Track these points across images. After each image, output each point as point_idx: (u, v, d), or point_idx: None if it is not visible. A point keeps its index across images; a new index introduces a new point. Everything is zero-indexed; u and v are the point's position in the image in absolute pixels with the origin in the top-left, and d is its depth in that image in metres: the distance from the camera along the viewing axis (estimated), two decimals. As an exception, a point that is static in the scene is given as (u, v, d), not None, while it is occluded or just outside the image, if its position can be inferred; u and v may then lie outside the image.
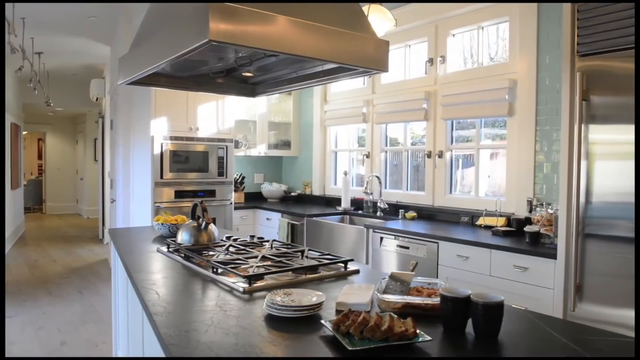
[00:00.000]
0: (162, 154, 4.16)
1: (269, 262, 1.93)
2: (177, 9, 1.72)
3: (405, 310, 1.39)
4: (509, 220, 3.22)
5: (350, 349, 1.10)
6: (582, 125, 2.30)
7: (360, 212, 4.28)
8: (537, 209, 3.08)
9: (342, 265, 1.96)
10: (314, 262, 1.95)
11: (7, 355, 3.35)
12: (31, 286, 5.14)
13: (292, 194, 5.25)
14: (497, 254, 2.72)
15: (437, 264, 3.01)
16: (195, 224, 2.32)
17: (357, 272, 1.94)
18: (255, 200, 5.23)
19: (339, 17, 1.79)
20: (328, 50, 1.71)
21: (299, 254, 2.13)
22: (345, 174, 4.42)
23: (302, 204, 4.95)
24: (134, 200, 4.62)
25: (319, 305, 1.38)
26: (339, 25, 1.75)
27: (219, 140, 4.47)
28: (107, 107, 7.22)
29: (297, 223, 4.21)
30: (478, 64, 3.65)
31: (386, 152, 4.42)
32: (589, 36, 2.30)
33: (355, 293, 1.53)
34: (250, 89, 2.68)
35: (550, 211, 2.75)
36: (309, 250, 2.15)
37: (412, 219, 3.80)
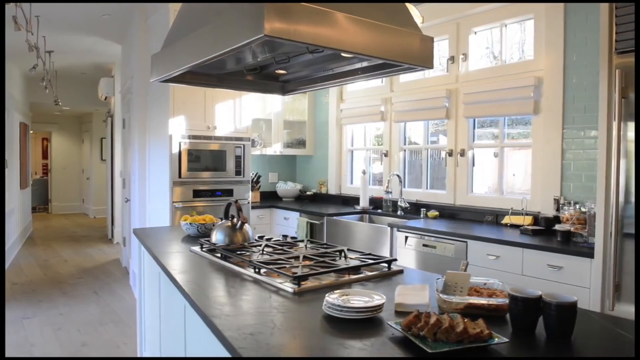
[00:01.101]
0: (180, 153, 4.12)
1: (311, 263, 1.90)
2: (224, 7, 1.68)
3: (467, 311, 1.36)
4: (536, 219, 3.19)
5: (430, 351, 1.07)
6: (622, 123, 2.26)
7: (379, 211, 4.25)
8: (565, 207, 3.05)
9: (385, 265, 1.93)
10: (358, 263, 1.92)
11: (29, 356, 3.32)
12: (45, 286, 5.10)
13: (308, 193, 5.22)
14: (529, 253, 2.69)
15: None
16: (230, 224, 2.29)
17: (401, 272, 1.91)
18: (270, 199, 5.20)
19: (384, 13, 1.76)
20: (376, 46, 1.67)
21: (337, 253, 2.10)
22: (364, 172, 4.39)
23: (318, 203, 4.92)
24: (150, 199, 4.58)
25: (380, 307, 1.35)
26: (385, 21, 1.72)
27: (236, 139, 4.44)
28: (117, 106, 7.19)
29: (316, 222, 4.18)
30: (501, 61, 3.62)
31: (404, 150, 4.39)
32: (628, 33, 2.27)
33: (411, 293, 1.50)
34: (280, 86, 2.65)
35: (583, 209, 2.72)
36: (347, 249, 2.12)
37: (434, 218, 3.77)
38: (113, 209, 7.59)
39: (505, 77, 3.48)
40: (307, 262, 1.90)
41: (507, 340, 1.14)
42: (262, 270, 1.83)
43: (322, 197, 5.11)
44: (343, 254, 2.06)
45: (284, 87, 2.66)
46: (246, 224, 2.30)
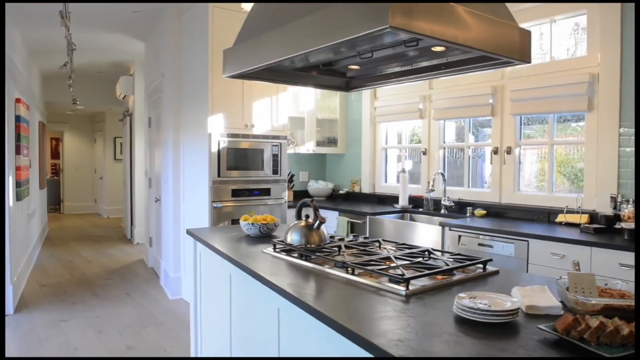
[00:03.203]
0: (219, 151, 4.06)
1: (405, 263, 1.84)
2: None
3: (604, 313, 1.31)
4: (593, 217, 3.15)
5: (608, 356, 1.02)
6: None
7: (420, 209, 4.20)
8: (624, 205, 3.01)
9: (480, 266, 1.88)
10: (456, 264, 1.86)
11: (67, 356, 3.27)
12: (75, 288, 5.04)
13: (340, 192, 5.16)
14: (597, 252, 2.64)
15: (527, 263, 2.93)
16: (304, 223, 2.23)
17: (496, 272, 1.85)
18: (302, 198, 5.13)
19: (487, 5, 1.71)
20: (484, 39, 1.63)
21: (421, 253, 2.05)
22: (404, 171, 4.34)
23: (353, 202, 4.86)
24: (185, 199, 4.52)
25: (518, 310, 1.30)
26: (488, 13, 1.67)
27: (273, 137, 4.38)
28: (137, 104, 7.12)
29: (358, 222, 4.12)
30: (551, 57, 3.57)
31: (444, 148, 4.34)
32: None
33: (534, 295, 1.45)
34: (344, 82, 2.60)
35: (653, 207, 2.68)
36: (432, 249, 2.07)
37: (482, 216, 3.72)
38: (132, 209, 7.51)
39: (556, 74, 3.43)
40: (401, 263, 1.85)
41: (676, 344, 1.09)
42: (356, 272, 1.77)
43: (356, 196, 5.06)
44: (430, 255, 2.01)
45: (348, 83, 2.60)
46: (322, 224, 2.24)
